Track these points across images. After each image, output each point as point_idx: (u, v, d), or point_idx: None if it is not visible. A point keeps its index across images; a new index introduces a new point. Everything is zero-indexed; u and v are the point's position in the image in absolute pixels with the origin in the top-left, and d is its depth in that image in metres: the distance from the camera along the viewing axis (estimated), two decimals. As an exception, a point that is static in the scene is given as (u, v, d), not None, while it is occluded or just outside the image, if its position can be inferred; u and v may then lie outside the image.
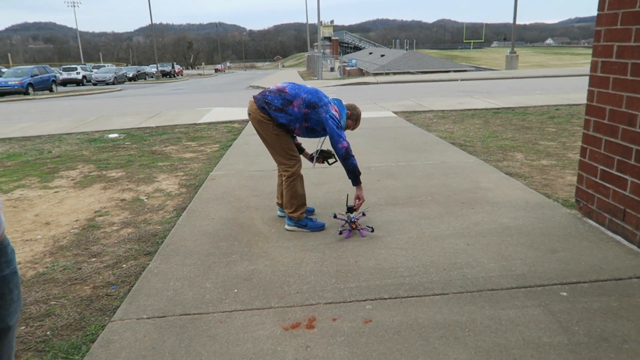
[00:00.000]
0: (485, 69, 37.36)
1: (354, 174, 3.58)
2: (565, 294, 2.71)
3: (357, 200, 3.67)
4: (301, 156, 3.97)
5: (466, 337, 2.35)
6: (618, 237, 3.40)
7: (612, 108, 3.41)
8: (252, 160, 6.38)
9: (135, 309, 2.72)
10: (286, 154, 3.67)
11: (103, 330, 2.53)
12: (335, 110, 3.58)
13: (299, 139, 4.01)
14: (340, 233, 3.62)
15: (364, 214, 3.87)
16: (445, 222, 3.86)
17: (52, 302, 2.88)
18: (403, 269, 3.09)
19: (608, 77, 3.43)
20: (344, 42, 71.33)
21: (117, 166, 6.55)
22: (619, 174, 3.37)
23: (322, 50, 54.38)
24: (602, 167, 3.56)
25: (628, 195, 3.29)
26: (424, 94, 15.85)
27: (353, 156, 3.54)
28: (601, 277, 2.88)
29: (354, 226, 3.62)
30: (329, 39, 64.10)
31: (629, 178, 3.28)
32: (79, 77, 37.57)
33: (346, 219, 3.71)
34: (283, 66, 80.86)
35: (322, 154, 3.93)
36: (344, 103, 3.77)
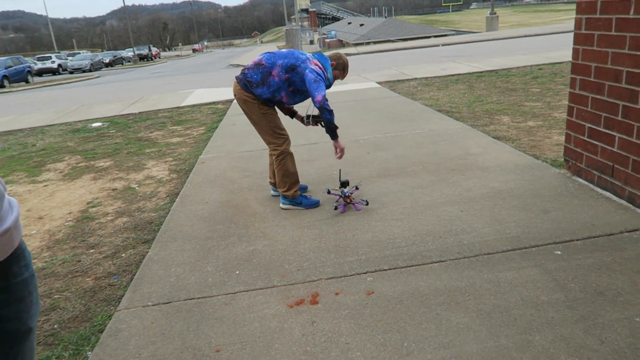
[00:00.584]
0: (466, 32, 37.11)
1: (329, 128, 3.59)
2: (559, 252, 2.78)
3: (337, 150, 3.71)
4: (295, 119, 4.00)
5: (467, 301, 2.41)
6: (607, 193, 3.48)
7: (597, 65, 3.43)
8: (241, 140, 6.35)
9: (139, 296, 2.74)
10: (274, 133, 3.62)
11: (110, 319, 2.56)
12: (316, 65, 3.51)
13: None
14: (336, 208, 3.65)
15: (357, 188, 3.89)
16: (437, 190, 3.91)
17: (56, 296, 2.89)
18: (400, 239, 3.14)
19: (593, 33, 3.45)
20: (322, 14, 70.20)
21: (105, 155, 6.48)
22: (607, 131, 3.42)
23: (300, 23, 53.54)
24: (589, 125, 3.61)
25: (616, 151, 3.35)
26: (406, 61, 15.77)
27: (329, 110, 3.45)
28: (593, 233, 2.95)
29: (348, 200, 3.65)
30: (306, 10, 63.04)
31: (616, 134, 3.33)
32: (55, 66, 36.66)
33: (340, 193, 3.73)
34: (261, 42, 79.54)
35: (314, 118, 3.86)
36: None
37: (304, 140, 5.96)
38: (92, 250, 3.52)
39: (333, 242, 3.19)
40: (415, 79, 10.95)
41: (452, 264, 2.78)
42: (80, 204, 4.60)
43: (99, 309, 2.70)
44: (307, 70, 3.43)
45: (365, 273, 2.77)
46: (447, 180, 4.11)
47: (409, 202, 3.71)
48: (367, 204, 3.68)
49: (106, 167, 5.84)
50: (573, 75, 3.72)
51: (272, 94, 3.53)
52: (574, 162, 3.87)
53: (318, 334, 2.28)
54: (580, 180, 3.78)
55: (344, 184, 3.72)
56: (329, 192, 3.86)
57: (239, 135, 6.68)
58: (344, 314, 2.42)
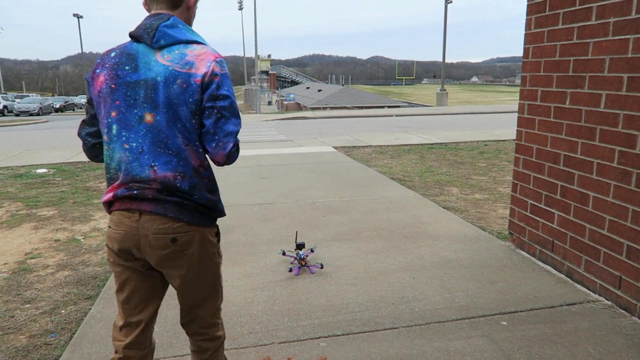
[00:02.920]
0: (417, 105, 39.21)
1: None
2: (505, 323, 2.87)
3: None
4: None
5: (418, 370, 2.43)
6: (548, 267, 3.67)
7: (538, 147, 3.73)
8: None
9: (78, 357, 2.58)
10: (220, 298, 1.96)
11: (43, 383, 2.38)
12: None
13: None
14: (290, 270, 3.64)
15: (312, 250, 3.92)
16: (390, 256, 3.99)
17: (-17, 355, 2.67)
18: (354, 304, 3.15)
19: (534, 118, 3.76)
20: (281, 77, 72.43)
21: (49, 204, 6.21)
22: (547, 208, 3.66)
23: (259, 84, 54.86)
24: (531, 202, 3.85)
25: (555, 228, 3.58)
26: (361, 129, 16.36)
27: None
28: (536, 305, 3.08)
29: (303, 263, 3.66)
30: (266, 72, 64.89)
31: (555, 212, 3.57)
32: (0, 107, 35.43)
33: (295, 255, 3.74)
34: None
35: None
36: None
37: (260, 199, 5.98)
38: (27, 305, 3.31)
39: (287, 305, 3.16)
40: (370, 146, 11.35)
41: (404, 331, 2.81)
42: (18, 255, 4.35)
43: (32, 370, 2.51)
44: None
45: (319, 338, 2.75)
46: (399, 247, 4.22)
47: (363, 267, 3.76)
48: (321, 267, 3.70)
49: (49, 217, 5.59)
50: (517, 155, 4.00)
51: (209, 176, 1.81)
52: (517, 235, 4.08)
53: (268, 402, 2.21)
54: (524, 253, 3.97)
55: (300, 246, 3.74)
56: (283, 254, 3.85)
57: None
58: (295, 381, 2.37)
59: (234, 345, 2.68)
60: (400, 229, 4.70)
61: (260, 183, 7.03)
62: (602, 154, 3.09)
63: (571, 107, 3.33)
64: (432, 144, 11.37)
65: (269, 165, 8.56)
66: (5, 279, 3.81)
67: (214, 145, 1.68)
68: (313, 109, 32.83)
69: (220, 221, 5.05)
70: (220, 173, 7.92)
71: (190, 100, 1.64)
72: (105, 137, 1.70)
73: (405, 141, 11.97)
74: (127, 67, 1.66)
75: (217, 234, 1.85)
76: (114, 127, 1.67)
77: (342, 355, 2.57)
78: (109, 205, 1.75)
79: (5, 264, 4.15)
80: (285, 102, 40.38)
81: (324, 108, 33.57)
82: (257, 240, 4.42)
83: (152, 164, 1.65)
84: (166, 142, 1.64)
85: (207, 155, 1.74)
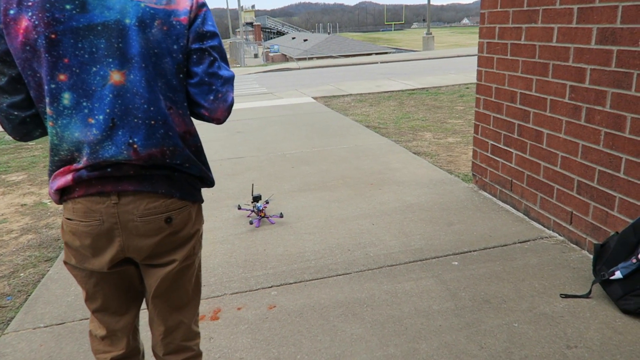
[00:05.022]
0: (405, 51, 38.46)
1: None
2: (456, 263, 2.91)
3: None
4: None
5: (364, 312, 2.47)
6: (507, 207, 3.69)
7: (497, 86, 3.66)
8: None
9: (31, 318, 2.61)
10: (198, 306, 1.64)
11: (-5, 344, 2.41)
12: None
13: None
14: (251, 223, 3.65)
15: (267, 202, 3.88)
16: (353, 204, 4.00)
17: (-62, 320, 2.70)
18: (310, 253, 3.18)
19: (492, 57, 3.67)
20: (266, 28, 70.56)
21: (19, 169, 6.15)
22: (506, 148, 3.64)
23: (244, 37, 53.48)
24: (492, 142, 3.83)
25: (514, 167, 3.57)
26: (345, 78, 16.09)
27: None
28: (489, 244, 3.12)
29: (262, 214, 3.66)
30: (251, 24, 63.14)
31: (513, 151, 3.55)
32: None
33: (252, 208, 3.73)
34: (206, 54, 78.66)
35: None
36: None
37: (231, 154, 5.93)
38: (-12, 270, 3.32)
39: (243, 256, 3.18)
40: (351, 95, 11.18)
41: (356, 276, 2.84)
42: None
43: (-15, 332, 2.54)
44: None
45: (271, 287, 2.78)
46: (364, 194, 4.22)
47: (324, 216, 3.77)
48: (281, 217, 3.70)
49: (18, 182, 5.54)
50: (478, 95, 3.94)
51: (196, 144, 1.50)
52: (480, 176, 4.08)
53: (214, 350, 2.26)
54: (485, 194, 3.98)
55: (256, 199, 3.73)
56: (239, 208, 3.85)
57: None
58: (243, 329, 2.41)
59: (186, 298, 2.71)
60: (367, 177, 4.69)
61: (233, 138, 6.95)
62: (555, 90, 3.03)
63: (526, 43, 3.24)
64: (413, 90, 11.21)
65: (246, 119, 8.44)
66: (-31, 245, 3.81)
67: (211, 98, 1.32)
68: (299, 59, 32.17)
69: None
70: (194, 129, 7.80)
71: (175, 47, 1.26)
72: (48, 110, 1.24)
73: (387, 88, 11.80)
74: (67, 6, 1.19)
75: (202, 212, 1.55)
76: (66, 95, 1.22)
77: (291, 302, 2.61)
78: (62, 193, 1.33)
79: (-30, 230, 4.14)
80: (270, 54, 39.52)
81: (310, 58, 32.90)
82: (223, 195, 4.41)
83: (130, 140, 1.25)
84: (146, 108, 1.25)
85: (198, 115, 1.39)
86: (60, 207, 4.55)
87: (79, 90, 1.22)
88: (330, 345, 2.23)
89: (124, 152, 1.26)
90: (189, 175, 1.40)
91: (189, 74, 1.32)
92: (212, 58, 1.31)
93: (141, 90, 1.25)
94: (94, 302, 1.45)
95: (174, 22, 1.26)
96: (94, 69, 1.22)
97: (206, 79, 1.31)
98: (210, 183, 1.50)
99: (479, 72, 3.87)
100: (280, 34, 69.99)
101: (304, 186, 4.54)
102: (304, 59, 32.49)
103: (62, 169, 1.30)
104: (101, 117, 1.24)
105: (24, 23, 1.18)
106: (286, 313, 2.51)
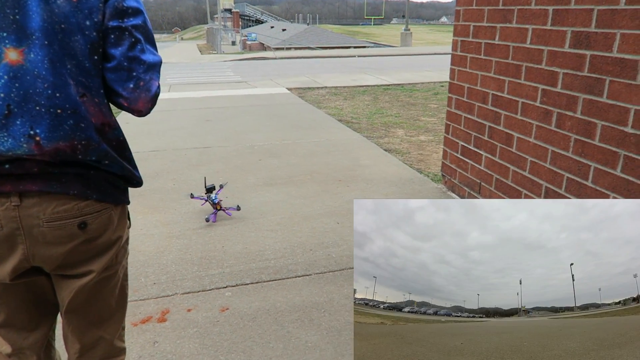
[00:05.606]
0: (383, 46, 38.45)
1: None
2: (420, 267, 2.82)
3: None
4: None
5: (321, 318, 2.36)
6: (475, 209, 3.63)
7: (469, 86, 3.58)
8: (129, 141, 5.92)
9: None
10: (123, 319, 1.50)
11: None
12: None
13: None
14: (207, 220, 3.43)
15: (221, 187, 3.69)
16: (319, 201, 3.88)
17: None
18: (270, 251, 3.04)
19: (466, 56, 3.59)
20: (245, 15, 69.54)
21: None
22: (476, 150, 3.57)
23: (222, 23, 52.60)
24: (462, 143, 3.75)
25: (482, 170, 3.50)
26: (321, 70, 15.92)
27: None
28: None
29: (218, 207, 3.48)
30: (229, 10, 62.10)
31: (483, 153, 3.48)
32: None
33: (205, 197, 3.55)
34: (182, 39, 77.02)
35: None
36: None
37: (198, 143, 5.72)
38: None
39: (200, 253, 3.03)
40: (325, 87, 11.04)
41: (316, 278, 2.73)
42: None
43: None
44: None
45: (226, 287, 2.64)
46: (331, 191, 4.10)
47: (288, 213, 3.64)
48: (238, 209, 3.54)
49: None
50: (450, 95, 3.85)
51: (118, 137, 1.33)
52: (449, 177, 4.01)
53: (157, 356, 2.11)
54: (454, 195, 3.92)
55: (210, 190, 3.53)
56: (192, 197, 3.66)
57: (130, 134, 6.26)
58: (191, 332, 2.26)
59: (134, 297, 2.54)
60: (335, 173, 4.57)
61: (202, 126, 6.73)
62: (527, 93, 2.96)
63: (500, 43, 3.16)
64: (389, 85, 11.15)
65: (217, 108, 8.21)
66: None
67: (131, 86, 1.14)
68: (276, 49, 31.79)
69: (148, 167, 4.84)
70: (160, 116, 7.55)
71: (88, 23, 1.08)
72: None
73: (362, 82, 11.69)
74: None
75: (129, 215, 1.38)
76: None
77: (245, 305, 2.48)
78: None
79: None
80: (247, 42, 38.96)
81: (288, 48, 32.53)
82: (185, 186, 4.23)
83: (31, 132, 1.08)
84: (50, 94, 1.07)
85: (117, 104, 1.21)
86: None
87: None
88: (283, 354, 2.11)
89: (23, 145, 1.07)
90: (108, 173, 1.22)
91: (106, 57, 1.14)
92: (133, 39, 1.14)
93: (44, 72, 1.06)
94: None
95: None
96: None
97: (125, 64, 1.13)
98: (136, 182, 1.32)
99: (452, 71, 3.79)
100: (259, 22, 69.15)
101: (270, 180, 4.40)
102: (282, 48, 32.14)
103: None
104: None
105: None
106: (239, 316, 2.37)
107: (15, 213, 1.11)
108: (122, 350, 1.44)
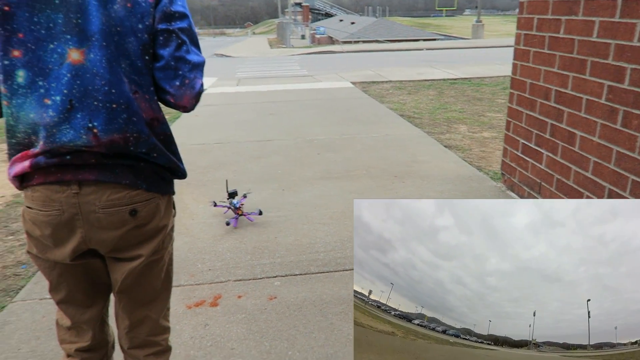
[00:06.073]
0: (454, 38, 37.34)
1: None
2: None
3: None
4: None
5: (364, 311, 2.39)
6: (534, 210, 3.49)
7: (532, 82, 3.44)
8: (196, 133, 6.26)
9: (40, 289, 2.67)
10: (168, 300, 1.62)
11: (3, 311, 2.49)
12: None
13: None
14: (228, 224, 3.37)
15: (245, 196, 3.63)
16: (373, 196, 3.89)
17: (-43, 284, 2.81)
18: (320, 244, 3.11)
19: (529, 50, 3.45)
20: (315, 9, 70.04)
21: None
22: (537, 148, 3.44)
23: (293, 17, 53.28)
24: (523, 141, 3.62)
25: (543, 169, 3.37)
26: (387, 63, 15.77)
27: None
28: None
29: (239, 212, 3.42)
30: (299, 4, 62.78)
31: (544, 152, 3.34)
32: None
33: (228, 205, 3.49)
34: (253, 33, 78.93)
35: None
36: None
37: (260, 136, 5.90)
38: (10, 237, 3.43)
39: (253, 243, 3.15)
40: (390, 81, 10.94)
41: (363, 272, 2.76)
42: (15, 189, 4.48)
43: (-4, 299, 2.62)
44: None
45: (275, 277, 2.74)
46: (385, 186, 4.10)
47: (342, 207, 3.69)
48: (260, 214, 3.45)
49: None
50: (511, 90, 3.72)
51: (164, 132, 1.41)
52: (508, 176, 3.88)
53: (207, 338, 2.24)
54: (513, 194, 3.79)
55: (232, 195, 3.49)
56: (215, 205, 3.58)
57: (197, 127, 6.60)
58: (239, 317, 2.38)
59: (190, 282, 2.71)
60: (392, 168, 4.56)
61: (265, 120, 6.92)
62: (592, 89, 2.81)
63: (565, 36, 3.02)
64: (455, 79, 10.85)
65: (280, 102, 8.40)
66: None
67: (177, 83, 1.24)
68: (344, 42, 31.80)
69: (211, 158, 5.06)
70: (227, 109, 7.85)
71: (140, 26, 1.18)
72: (2, 88, 1.18)
73: (428, 76, 11.46)
74: None
75: (174, 205, 1.48)
76: (20, 73, 1.15)
77: (292, 295, 2.56)
78: (22, 180, 1.26)
79: (2, 196, 4.30)
80: (316, 36, 39.24)
81: (356, 42, 32.45)
82: (244, 178, 4.39)
83: (90, 124, 1.18)
84: (107, 90, 1.18)
85: (164, 101, 1.30)
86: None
87: (34, 68, 1.15)
88: (324, 344, 2.17)
89: (82, 136, 1.19)
90: (156, 165, 1.32)
91: (155, 57, 1.24)
92: (180, 41, 1.23)
93: (101, 70, 1.17)
94: (58, 294, 1.40)
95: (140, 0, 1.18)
96: (51, 45, 1.15)
97: (172, 63, 1.23)
98: (181, 174, 1.42)
99: (514, 66, 3.66)
100: (328, 15, 69.39)
101: (326, 174, 4.46)
102: (350, 42, 32.10)
103: (19, 154, 1.24)
104: (58, 98, 1.16)
105: None
106: (285, 305, 2.46)
107: (75, 200, 1.23)
108: (167, 329, 1.56)
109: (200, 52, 1.31)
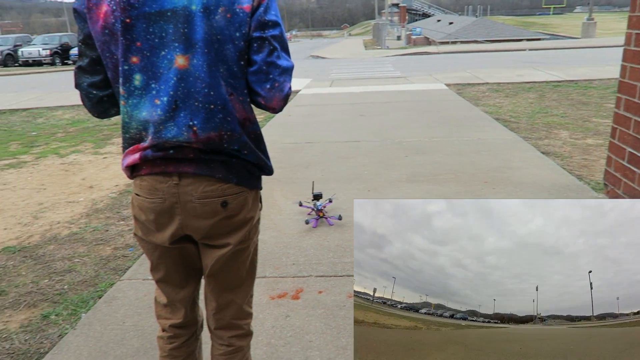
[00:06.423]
0: (561, 37, 34.88)
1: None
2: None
3: None
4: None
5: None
6: None
7: (643, 86, 3.17)
8: (288, 132, 6.50)
9: (144, 270, 2.95)
10: (252, 288, 1.69)
11: (111, 287, 2.79)
12: None
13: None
14: (307, 222, 3.48)
15: (330, 201, 3.73)
16: (460, 201, 3.80)
17: (76, 260, 3.19)
18: (402, 246, 3.11)
19: (642, 52, 3.18)
20: (412, 9, 68.95)
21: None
22: (646, 158, 3.16)
23: (389, 18, 52.99)
24: (630, 150, 3.34)
25: (653, 181, 3.09)
26: (485, 64, 15.17)
27: None
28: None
29: (321, 214, 3.50)
30: (396, 5, 62.21)
31: (655, 163, 3.07)
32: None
33: (312, 206, 3.59)
34: (349, 34, 79.57)
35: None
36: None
37: (348, 137, 5.99)
38: (121, 222, 3.82)
39: (337, 241, 3.23)
40: (487, 83, 10.54)
41: (445, 278, 2.72)
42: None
43: (106, 276, 2.94)
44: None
45: (355, 276, 2.79)
46: (474, 192, 3.99)
47: (426, 211, 3.64)
48: (340, 219, 3.49)
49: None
50: (618, 95, 3.45)
51: (255, 131, 1.49)
52: (612, 187, 3.60)
53: (287, 328, 2.35)
54: (616, 207, 3.51)
55: (317, 197, 3.57)
56: (300, 205, 3.71)
57: (289, 126, 6.84)
58: (319, 312, 2.47)
59: (274, 274, 2.85)
60: (482, 174, 4.41)
61: (355, 121, 7.00)
62: None
63: (684, 36, 2.75)
64: (559, 82, 10.18)
65: (371, 103, 8.44)
66: (113, 198, 4.41)
67: (268, 86, 1.34)
68: (441, 43, 31.03)
69: (302, 157, 5.23)
70: (319, 109, 8.04)
71: (238, 35, 1.29)
72: (121, 90, 1.32)
73: (529, 78, 10.87)
74: None
75: (261, 199, 1.57)
76: (137, 77, 1.30)
77: (371, 294, 2.60)
78: (132, 170, 1.42)
79: (117, 185, 4.78)
80: (412, 37, 38.64)
81: (453, 42, 31.51)
82: (331, 177, 4.50)
83: (190, 123, 1.31)
84: (206, 92, 1.30)
85: (255, 103, 1.40)
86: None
87: (148, 72, 1.29)
88: (400, 345, 2.18)
89: (184, 133, 1.31)
90: (246, 162, 1.42)
91: (249, 62, 1.34)
92: (271, 47, 1.32)
93: (202, 74, 1.29)
94: (157, 273, 1.55)
95: (237, 10, 1.28)
96: (162, 52, 1.28)
97: (264, 68, 1.32)
98: (268, 171, 1.50)
99: (622, 68, 3.39)
100: (426, 15, 68.02)
101: (412, 177, 4.43)
102: (447, 42, 31.24)
103: (132, 147, 1.38)
104: (165, 98, 1.30)
105: (104, 8, 1.27)
106: (364, 304, 2.51)
107: (175, 190, 1.37)
108: (249, 315, 1.67)
109: (290, 58, 1.39)
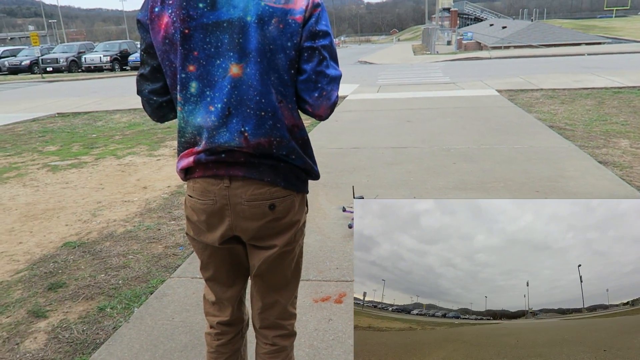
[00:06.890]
0: (624, 41, 33.21)
1: None
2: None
3: None
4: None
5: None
6: None
7: None
8: (335, 137, 6.54)
9: (193, 269, 3.06)
10: (296, 289, 1.72)
11: (162, 284, 2.91)
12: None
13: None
14: (350, 227, 3.51)
15: None
16: (509, 210, 3.71)
17: (130, 257, 3.34)
18: (448, 254, 3.07)
19: None
20: (463, 14, 67.67)
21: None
22: None
23: (440, 23, 52.25)
24: (696, 161, 3.15)
25: None
26: (540, 70, 14.68)
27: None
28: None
29: None
30: (447, 10, 61.29)
31: None
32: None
33: (353, 211, 3.62)
34: (398, 40, 78.99)
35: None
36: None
37: (395, 143, 5.96)
38: (172, 222, 3.97)
39: (381, 247, 3.22)
40: (541, 89, 10.20)
41: (491, 288, 2.67)
42: (180, 179, 5.15)
43: (158, 273, 3.07)
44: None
45: (399, 282, 2.78)
46: (525, 201, 3.87)
47: (474, 219, 3.58)
48: None
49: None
50: (684, 102, 3.26)
51: (303, 136, 1.52)
52: (675, 199, 3.41)
53: (330, 332, 2.37)
54: (679, 221, 3.32)
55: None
56: (344, 210, 3.75)
57: (336, 131, 6.88)
58: (361, 317, 2.47)
59: (318, 277, 2.88)
60: (534, 183, 4.28)
61: (402, 127, 6.96)
62: None
63: None
64: (621, 88, 9.72)
65: (419, 109, 8.36)
66: (165, 198, 4.59)
67: (316, 95, 1.38)
68: (494, 48, 30.26)
69: (347, 162, 5.25)
70: (366, 115, 8.04)
71: (289, 44, 1.33)
72: (178, 97, 1.39)
73: (587, 84, 10.44)
74: (200, 4, 1.32)
75: (307, 203, 1.60)
76: (194, 84, 1.36)
77: (415, 301, 2.58)
78: (186, 172, 1.47)
79: (169, 186, 4.98)
80: (463, 42, 37.91)
81: (506, 47, 30.64)
82: (377, 183, 4.49)
83: (242, 129, 1.36)
84: (258, 100, 1.34)
85: (302, 110, 1.45)
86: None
87: (204, 80, 1.35)
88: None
89: (235, 138, 1.36)
90: (294, 166, 1.45)
91: (299, 71, 1.37)
92: (321, 57, 1.35)
93: (255, 82, 1.33)
94: (207, 272, 1.60)
95: (290, 21, 1.31)
96: (218, 61, 1.33)
97: (313, 77, 1.36)
98: (314, 176, 1.53)
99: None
100: (478, 20, 66.55)
101: (460, 185, 4.36)
102: (499, 47, 30.44)
103: (186, 151, 1.44)
104: (219, 105, 1.35)
105: (165, 19, 1.33)
106: (407, 311, 2.50)
107: (226, 192, 1.41)
108: (293, 315, 1.70)
109: (338, 66, 1.42)
